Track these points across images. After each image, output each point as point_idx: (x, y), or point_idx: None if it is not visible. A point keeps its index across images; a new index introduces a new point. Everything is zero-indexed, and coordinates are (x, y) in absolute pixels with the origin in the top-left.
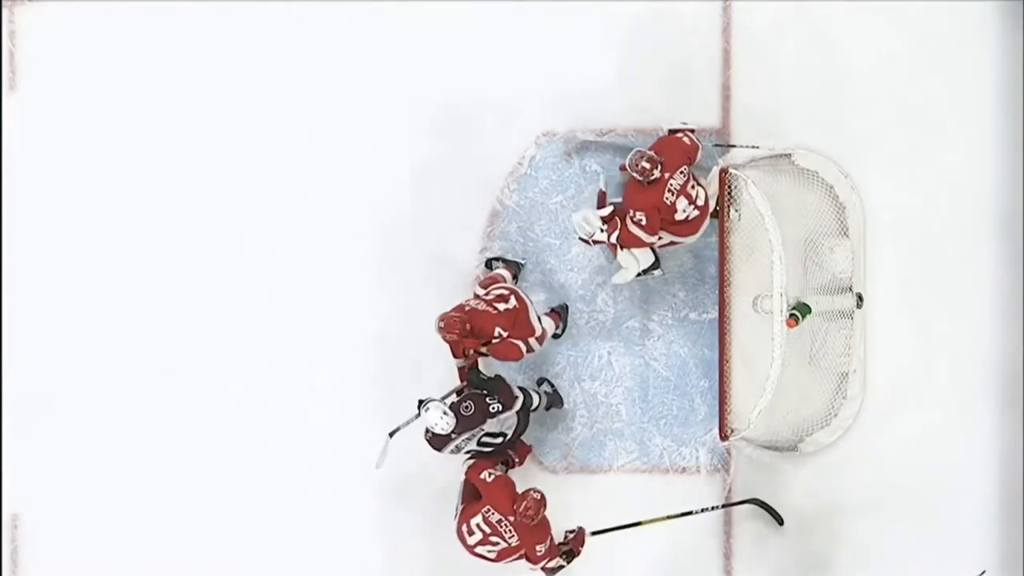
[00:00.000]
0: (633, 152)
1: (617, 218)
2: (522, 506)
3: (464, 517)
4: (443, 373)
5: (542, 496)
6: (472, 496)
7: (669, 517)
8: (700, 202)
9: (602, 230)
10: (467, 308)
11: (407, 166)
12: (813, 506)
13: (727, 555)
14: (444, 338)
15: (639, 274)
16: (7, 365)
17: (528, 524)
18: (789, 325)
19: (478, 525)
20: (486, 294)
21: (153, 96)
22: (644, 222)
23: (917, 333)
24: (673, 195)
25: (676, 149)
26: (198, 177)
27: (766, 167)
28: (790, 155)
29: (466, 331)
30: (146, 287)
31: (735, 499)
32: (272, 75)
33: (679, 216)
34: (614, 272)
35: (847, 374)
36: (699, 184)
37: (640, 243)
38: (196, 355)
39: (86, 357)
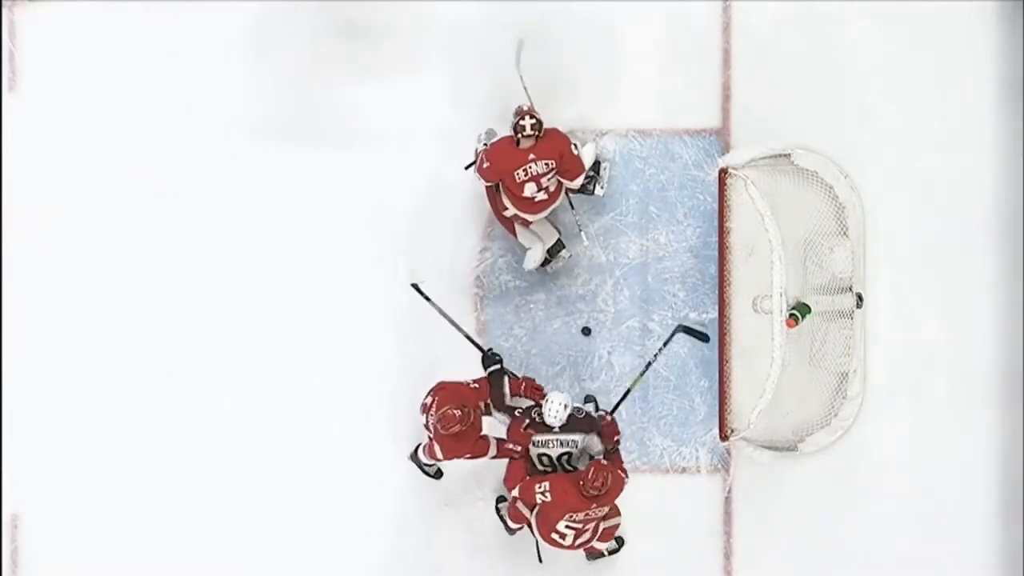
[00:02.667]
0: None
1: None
2: (592, 488)
3: (546, 528)
4: (443, 373)
5: (598, 463)
6: (529, 510)
7: (643, 373)
8: (551, 189)
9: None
10: (441, 394)
11: (408, 166)
12: (813, 506)
13: (727, 555)
14: (451, 430)
15: (547, 260)
16: (7, 365)
17: (606, 491)
18: (789, 325)
19: (567, 527)
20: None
21: (154, 96)
22: (485, 167)
23: (917, 333)
24: (526, 176)
25: (559, 146)
26: (199, 177)
27: (766, 167)
28: (789, 155)
29: (466, 412)
30: (146, 287)
31: (735, 499)
32: (273, 74)
33: (526, 194)
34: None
35: (847, 374)
36: (562, 180)
37: (478, 174)
38: (196, 355)
39: (86, 357)
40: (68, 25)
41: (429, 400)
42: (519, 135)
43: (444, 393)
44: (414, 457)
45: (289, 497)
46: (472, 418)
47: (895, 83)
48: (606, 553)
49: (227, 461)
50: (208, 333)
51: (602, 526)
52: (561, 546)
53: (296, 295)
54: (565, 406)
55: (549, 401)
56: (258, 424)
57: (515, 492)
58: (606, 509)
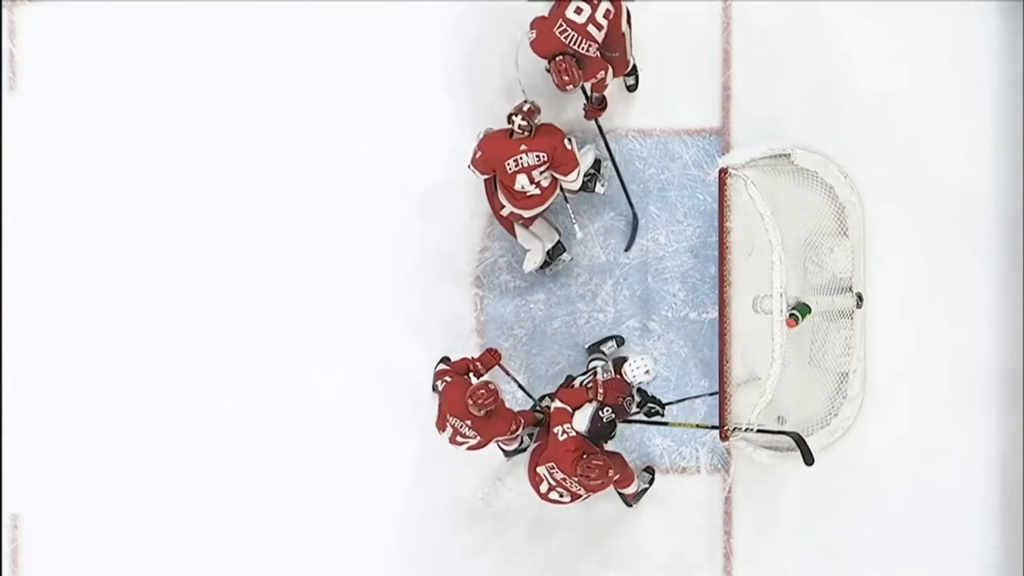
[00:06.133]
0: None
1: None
2: (584, 472)
3: (534, 461)
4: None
5: (605, 461)
6: (544, 434)
7: (699, 426)
8: (544, 184)
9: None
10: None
11: (408, 166)
12: (813, 506)
13: (727, 555)
14: (488, 405)
15: (547, 262)
16: (7, 365)
17: (592, 482)
18: (789, 325)
19: (547, 476)
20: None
21: (154, 96)
22: (477, 156)
23: (917, 333)
24: (516, 167)
25: (551, 140)
26: (199, 177)
27: (766, 167)
28: (790, 155)
29: (491, 387)
30: (147, 287)
31: (735, 499)
32: (274, 74)
33: (516, 187)
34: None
35: (847, 374)
36: (556, 176)
37: (472, 166)
38: (197, 355)
39: (86, 357)
40: (68, 25)
41: (456, 422)
42: (512, 127)
43: (449, 393)
44: (507, 455)
45: (289, 497)
46: (494, 386)
47: (895, 83)
48: (642, 492)
49: (227, 461)
50: (208, 333)
51: (582, 499)
52: (536, 488)
53: (296, 295)
54: (647, 371)
55: (640, 367)
56: (259, 424)
57: (558, 404)
58: (583, 491)
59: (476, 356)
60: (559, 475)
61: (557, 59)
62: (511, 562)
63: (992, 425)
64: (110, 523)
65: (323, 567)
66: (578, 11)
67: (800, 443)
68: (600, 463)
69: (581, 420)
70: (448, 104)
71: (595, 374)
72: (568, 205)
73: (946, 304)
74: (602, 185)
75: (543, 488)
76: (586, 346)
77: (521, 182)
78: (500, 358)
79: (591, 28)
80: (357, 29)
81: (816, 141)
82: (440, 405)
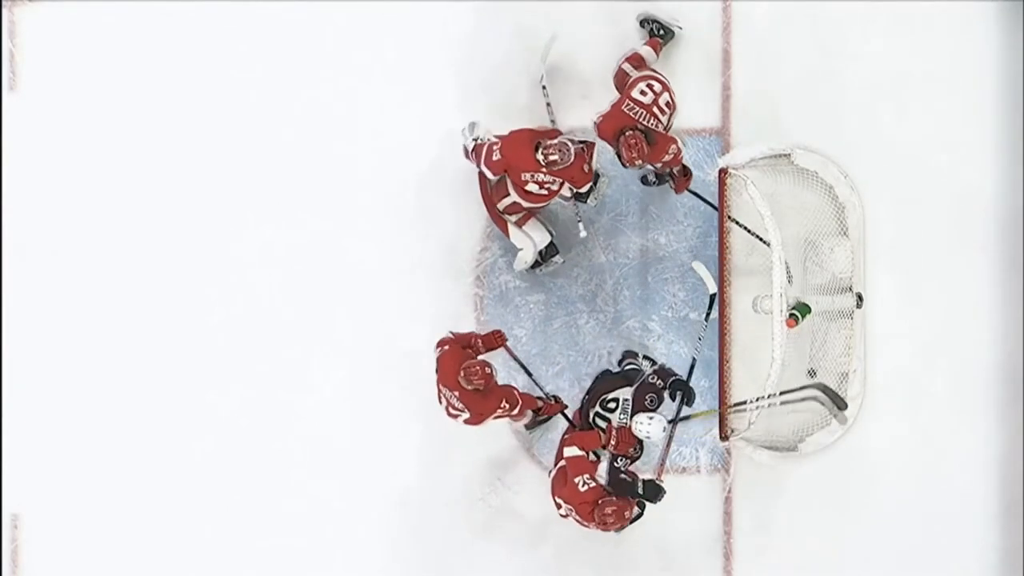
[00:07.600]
0: (570, 142)
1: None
2: (601, 518)
3: (554, 492)
4: None
5: (619, 504)
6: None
7: (715, 411)
8: (554, 188)
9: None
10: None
11: (408, 166)
12: (813, 506)
13: (727, 555)
14: (475, 382)
15: (539, 262)
16: (7, 365)
17: (611, 526)
18: (789, 325)
19: (563, 504)
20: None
21: (154, 96)
22: (495, 159)
23: (917, 333)
24: (531, 179)
25: (571, 172)
26: (199, 177)
27: (766, 167)
28: (789, 155)
29: (489, 367)
30: (147, 287)
31: (735, 499)
32: (273, 74)
33: (528, 188)
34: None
35: (847, 374)
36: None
37: (485, 164)
38: (197, 355)
39: (86, 357)
40: (68, 25)
41: (447, 393)
42: (539, 144)
43: (444, 361)
44: (529, 426)
45: (289, 496)
46: (490, 370)
47: (895, 83)
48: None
49: (227, 461)
50: (208, 334)
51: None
52: (556, 509)
53: (296, 295)
54: (648, 435)
55: (651, 432)
56: (259, 424)
57: (573, 451)
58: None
59: (482, 334)
60: (575, 514)
61: (627, 133)
62: (511, 561)
63: (992, 425)
64: (110, 523)
65: (323, 566)
66: (643, 93)
67: (828, 392)
68: (615, 507)
69: (600, 474)
70: (449, 104)
71: (620, 408)
72: (576, 204)
73: (946, 304)
74: (595, 199)
75: (562, 512)
76: (624, 350)
77: (531, 188)
78: (505, 341)
79: (655, 109)
80: (357, 29)
81: (816, 141)
82: (436, 372)
